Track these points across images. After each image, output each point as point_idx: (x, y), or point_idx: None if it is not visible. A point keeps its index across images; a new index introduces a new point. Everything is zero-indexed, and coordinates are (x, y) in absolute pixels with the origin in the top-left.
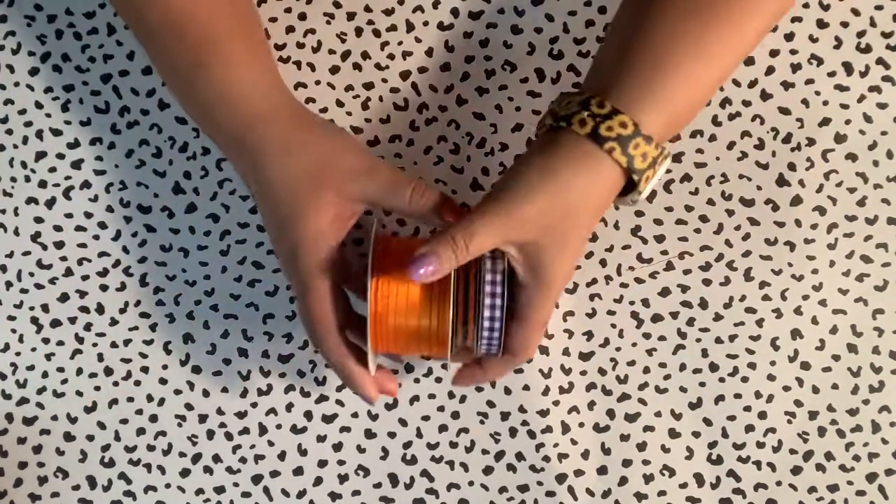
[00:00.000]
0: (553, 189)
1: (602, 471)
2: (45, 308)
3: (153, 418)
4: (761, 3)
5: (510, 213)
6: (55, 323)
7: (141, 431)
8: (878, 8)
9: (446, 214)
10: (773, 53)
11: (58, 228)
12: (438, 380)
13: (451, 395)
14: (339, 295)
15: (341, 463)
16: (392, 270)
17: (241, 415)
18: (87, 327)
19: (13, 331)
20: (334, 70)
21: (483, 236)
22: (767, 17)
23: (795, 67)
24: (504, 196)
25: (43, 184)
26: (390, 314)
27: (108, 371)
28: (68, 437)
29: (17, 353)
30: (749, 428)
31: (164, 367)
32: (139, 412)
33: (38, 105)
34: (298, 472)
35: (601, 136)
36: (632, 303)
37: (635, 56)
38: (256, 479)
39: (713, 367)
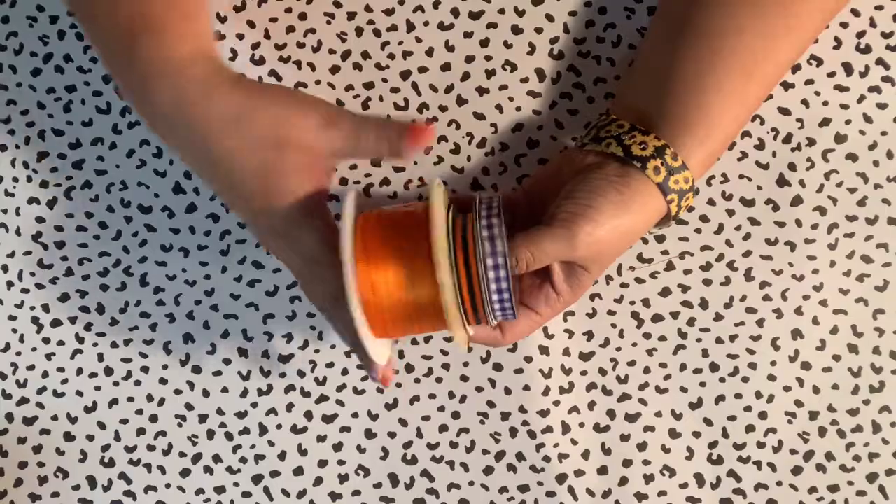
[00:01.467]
0: (618, 225)
1: (602, 471)
2: (45, 308)
3: (153, 418)
4: (798, 40)
5: (577, 237)
6: (55, 323)
7: (141, 431)
8: (878, 8)
9: (411, 139)
10: None
11: (59, 228)
12: (439, 380)
13: (451, 395)
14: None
15: (341, 463)
16: (375, 249)
17: (241, 415)
18: (88, 327)
19: (14, 330)
20: (334, 70)
21: (547, 253)
22: (800, 50)
23: (795, 68)
24: (575, 219)
25: (44, 184)
26: (382, 297)
27: (108, 371)
28: (68, 437)
29: (18, 353)
30: (749, 428)
31: (164, 367)
32: (139, 412)
33: (41, 105)
34: (298, 472)
35: (669, 187)
36: (632, 303)
37: (689, 106)
38: (257, 479)
39: (714, 367)
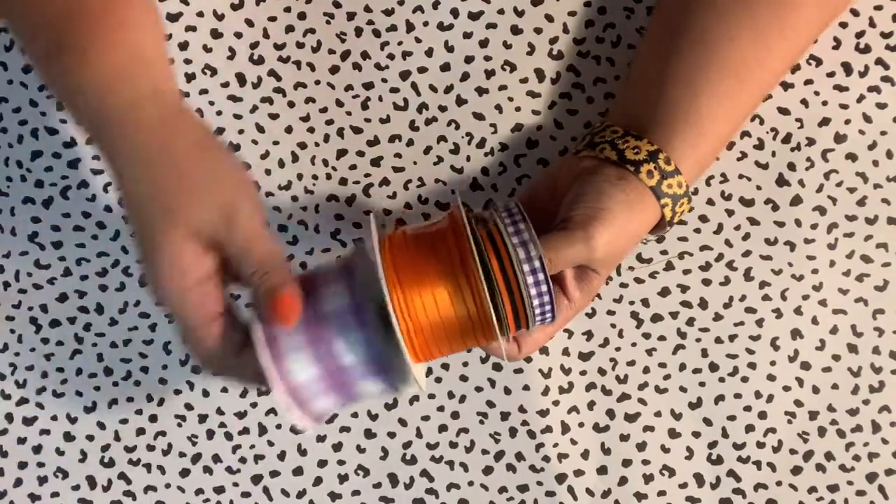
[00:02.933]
0: (627, 225)
1: (602, 471)
2: (43, 308)
3: (153, 418)
4: (792, 47)
5: (594, 238)
6: (54, 323)
7: (141, 431)
8: (878, 8)
9: (272, 312)
10: None
11: (55, 228)
12: (438, 380)
13: (450, 395)
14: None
15: (341, 463)
16: (407, 272)
17: (241, 415)
18: (87, 327)
19: (12, 331)
20: (334, 70)
21: (565, 257)
22: (795, 57)
23: (794, 68)
24: (590, 222)
25: (39, 183)
26: (423, 322)
27: (108, 371)
28: (68, 437)
29: (17, 354)
30: (749, 428)
31: (164, 367)
32: (139, 412)
33: (33, 103)
34: (298, 472)
35: (662, 191)
36: (632, 303)
37: (680, 111)
38: (256, 479)
39: (713, 367)
